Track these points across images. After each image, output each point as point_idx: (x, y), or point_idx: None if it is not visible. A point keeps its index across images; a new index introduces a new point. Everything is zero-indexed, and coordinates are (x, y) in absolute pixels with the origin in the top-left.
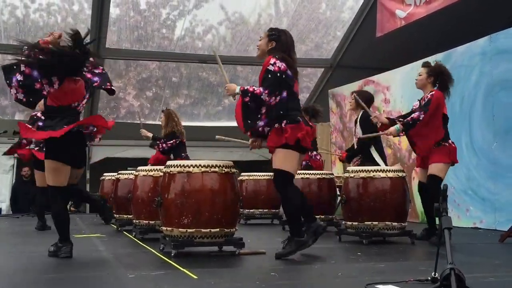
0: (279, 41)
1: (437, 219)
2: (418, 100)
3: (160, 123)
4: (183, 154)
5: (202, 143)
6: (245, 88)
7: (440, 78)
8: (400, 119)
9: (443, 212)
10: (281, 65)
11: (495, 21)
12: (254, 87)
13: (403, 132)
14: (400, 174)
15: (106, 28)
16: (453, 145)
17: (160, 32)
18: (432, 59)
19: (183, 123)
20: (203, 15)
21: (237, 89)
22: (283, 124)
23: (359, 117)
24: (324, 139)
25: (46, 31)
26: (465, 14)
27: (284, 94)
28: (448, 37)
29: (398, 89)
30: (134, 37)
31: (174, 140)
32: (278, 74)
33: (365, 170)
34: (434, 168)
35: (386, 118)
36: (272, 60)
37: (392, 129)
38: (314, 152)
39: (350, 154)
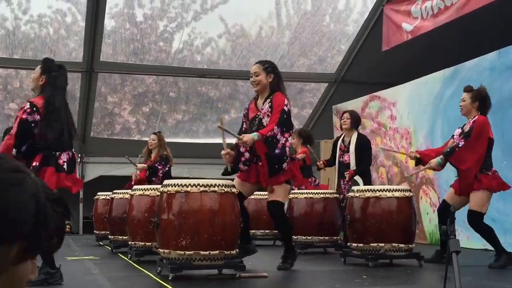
0: (277, 73)
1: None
2: (460, 127)
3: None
4: None
5: (201, 161)
6: (267, 135)
7: (483, 103)
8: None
9: (451, 235)
10: (290, 107)
11: (504, 35)
12: (273, 129)
13: (443, 166)
14: (407, 193)
15: (100, 40)
16: (496, 173)
17: (157, 45)
18: (440, 74)
19: (181, 140)
20: (202, 28)
21: (256, 137)
22: (286, 163)
23: (353, 139)
24: (327, 156)
25: (38, 44)
26: (473, 28)
27: (288, 134)
28: (456, 52)
29: (405, 105)
30: (130, 50)
31: (169, 165)
32: (290, 116)
33: (370, 190)
34: (473, 202)
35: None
36: (286, 101)
37: (433, 161)
38: (313, 178)
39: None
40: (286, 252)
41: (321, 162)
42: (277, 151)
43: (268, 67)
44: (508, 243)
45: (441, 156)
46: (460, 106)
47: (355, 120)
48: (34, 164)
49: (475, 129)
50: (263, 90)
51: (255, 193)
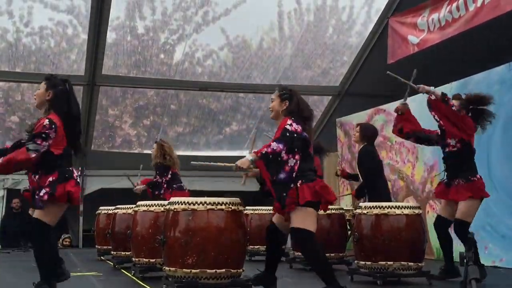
0: (292, 100)
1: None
2: None
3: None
4: (174, 186)
5: (202, 173)
6: (263, 152)
7: (472, 109)
8: None
9: (470, 261)
10: (297, 127)
11: None
12: (270, 145)
13: None
14: (417, 211)
15: (102, 53)
16: (482, 181)
17: (159, 57)
18: (447, 87)
19: (182, 153)
20: (203, 39)
21: (250, 157)
22: (298, 184)
23: (363, 149)
24: (331, 169)
25: (39, 56)
26: (481, 40)
27: (299, 155)
28: (464, 65)
29: None
30: (131, 63)
31: (170, 171)
32: (295, 134)
33: (379, 207)
34: (460, 213)
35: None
36: (289, 122)
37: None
38: None
39: (358, 189)
40: None
41: (340, 168)
42: (282, 175)
43: (285, 93)
44: None
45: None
46: None
47: (365, 133)
48: (51, 179)
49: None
50: (277, 117)
51: (258, 208)
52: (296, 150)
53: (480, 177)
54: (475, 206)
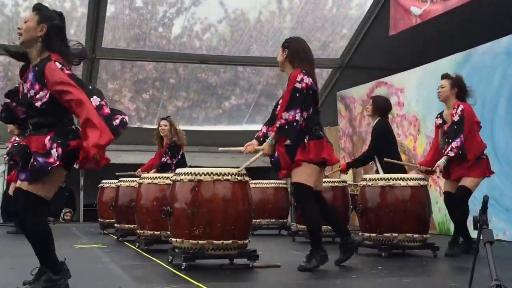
0: (290, 48)
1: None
2: (439, 116)
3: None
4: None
5: (202, 148)
6: (277, 125)
7: (462, 89)
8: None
9: (484, 225)
10: (308, 80)
11: None
12: (282, 117)
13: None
14: (422, 182)
15: (102, 27)
16: (486, 157)
17: (157, 30)
18: (450, 59)
19: (181, 127)
20: (201, 13)
21: (271, 140)
22: (306, 139)
23: (375, 124)
24: (332, 144)
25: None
26: (486, 10)
27: (311, 110)
28: (468, 36)
29: (413, 92)
30: (130, 36)
31: (180, 152)
32: (305, 91)
33: (384, 179)
34: (470, 183)
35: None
36: (299, 77)
37: (440, 163)
38: None
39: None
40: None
41: (341, 166)
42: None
43: (285, 42)
44: None
45: (444, 161)
46: (439, 92)
47: (378, 106)
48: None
49: (467, 119)
50: (282, 68)
51: (260, 181)
52: (304, 107)
53: (486, 156)
54: (478, 182)
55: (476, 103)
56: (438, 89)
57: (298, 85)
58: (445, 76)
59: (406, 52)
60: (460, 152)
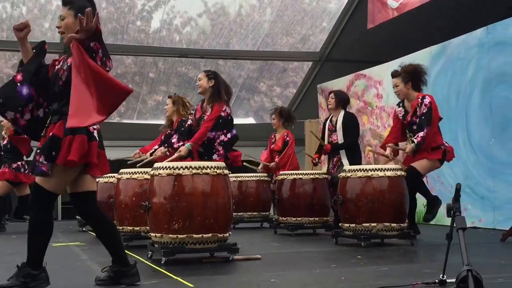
0: (217, 79)
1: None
2: (400, 105)
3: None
4: None
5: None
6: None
7: (415, 79)
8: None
9: (457, 212)
10: (229, 110)
11: (492, 11)
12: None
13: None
14: (399, 173)
15: None
16: (448, 144)
17: (135, 24)
18: (427, 52)
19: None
20: (181, 6)
21: (187, 147)
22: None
23: (340, 117)
24: (312, 136)
25: (10, 25)
26: (460, 4)
27: (234, 131)
28: (443, 29)
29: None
30: (107, 30)
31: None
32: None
33: (362, 170)
34: (418, 164)
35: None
36: (224, 107)
37: (409, 148)
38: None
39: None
40: None
41: (314, 158)
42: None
43: (210, 74)
44: (497, 220)
45: (414, 146)
46: (396, 92)
47: (340, 99)
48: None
49: (434, 110)
50: (204, 93)
51: (241, 175)
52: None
53: (446, 146)
54: (429, 165)
55: (450, 95)
56: (394, 89)
57: (222, 114)
58: (394, 75)
59: (384, 45)
60: (422, 142)
